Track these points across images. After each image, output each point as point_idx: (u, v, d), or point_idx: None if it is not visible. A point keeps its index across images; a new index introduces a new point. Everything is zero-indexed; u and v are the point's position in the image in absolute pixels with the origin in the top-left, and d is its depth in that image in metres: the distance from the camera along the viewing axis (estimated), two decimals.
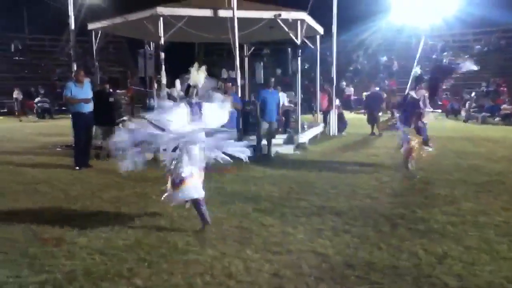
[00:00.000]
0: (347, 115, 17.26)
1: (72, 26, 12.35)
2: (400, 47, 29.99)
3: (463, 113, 20.08)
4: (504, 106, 18.46)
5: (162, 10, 9.98)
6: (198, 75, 5.27)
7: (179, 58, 13.87)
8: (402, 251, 4.19)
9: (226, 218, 5.26)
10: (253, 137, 10.04)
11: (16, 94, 23.75)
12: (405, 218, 5.21)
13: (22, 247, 4.35)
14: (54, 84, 25.38)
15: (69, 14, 12.27)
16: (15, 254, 4.18)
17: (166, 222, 5.09)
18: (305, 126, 12.13)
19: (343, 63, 27.23)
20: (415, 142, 7.88)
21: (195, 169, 4.86)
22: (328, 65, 15.38)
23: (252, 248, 4.29)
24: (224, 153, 4.96)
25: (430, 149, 9.12)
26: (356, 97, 26.30)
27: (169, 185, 4.96)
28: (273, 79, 10.49)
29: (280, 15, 10.66)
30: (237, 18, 10.14)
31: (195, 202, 4.91)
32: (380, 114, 14.55)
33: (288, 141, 10.71)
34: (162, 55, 10.28)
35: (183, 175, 4.73)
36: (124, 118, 11.13)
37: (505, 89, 21.16)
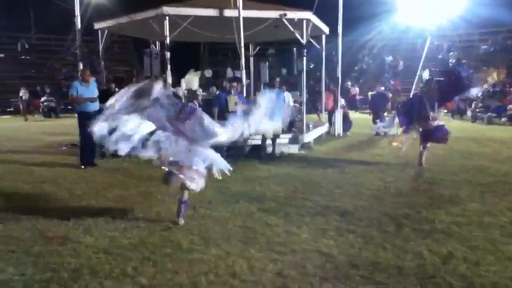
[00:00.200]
0: (352, 115, 17.25)
1: (78, 26, 12.39)
2: (405, 47, 29.88)
3: (469, 113, 19.98)
4: (511, 106, 18.35)
5: (167, 9, 10.00)
6: (192, 79, 5.35)
7: (185, 57, 13.92)
8: (407, 251, 4.18)
9: (231, 217, 5.26)
10: (258, 137, 10.05)
11: (23, 93, 23.88)
12: (409, 218, 5.19)
13: (28, 245, 4.38)
14: (60, 84, 25.48)
15: (75, 13, 12.31)
16: (20, 252, 4.21)
17: (170, 221, 5.10)
18: (310, 126, 12.11)
19: (348, 63, 27.17)
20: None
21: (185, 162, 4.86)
22: (333, 64, 15.35)
23: (256, 247, 4.30)
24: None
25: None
26: (361, 97, 26.25)
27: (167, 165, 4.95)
28: (278, 79, 10.49)
29: (285, 14, 10.65)
30: (243, 17, 10.14)
31: (181, 196, 5.01)
32: (385, 114, 14.51)
33: (293, 141, 10.70)
34: (168, 54, 10.30)
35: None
36: None
37: None
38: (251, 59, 16.20)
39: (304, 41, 11.17)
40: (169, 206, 5.68)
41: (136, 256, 4.07)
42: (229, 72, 21.52)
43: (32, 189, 6.81)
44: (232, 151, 9.64)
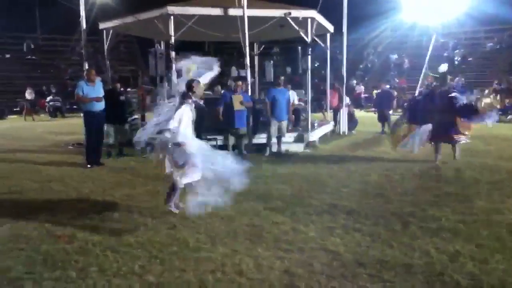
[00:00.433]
0: (358, 113, 17.21)
1: (84, 26, 12.43)
2: (411, 45, 29.77)
3: None
4: None
5: (172, 9, 10.01)
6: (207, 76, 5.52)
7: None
8: (414, 249, 4.17)
9: (237, 216, 5.28)
10: (264, 135, 10.07)
11: (29, 93, 24.00)
12: (416, 216, 5.18)
13: (36, 243, 4.42)
14: (66, 83, 25.60)
15: (81, 14, 12.36)
16: (29, 250, 4.24)
17: (177, 219, 5.12)
18: (315, 125, 12.10)
19: (353, 61, 27.14)
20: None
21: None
22: (338, 63, 15.33)
23: (263, 245, 4.31)
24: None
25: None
26: (366, 95, 26.18)
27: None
28: (283, 78, 10.47)
29: (290, 13, 10.64)
30: (247, 16, 10.14)
31: (174, 183, 5.25)
32: (390, 112, 14.48)
33: (298, 140, 10.70)
34: (173, 54, 10.32)
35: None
36: (135, 116, 11.23)
37: None
38: (256, 58, 16.20)
39: (308, 40, 11.15)
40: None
41: (143, 255, 4.10)
42: (234, 71, 21.52)
43: (40, 188, 6.85)
44: (237, 150, 9.68)
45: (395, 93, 17.88)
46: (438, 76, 9.15)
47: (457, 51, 27.37)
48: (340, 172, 7.85)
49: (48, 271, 3.78)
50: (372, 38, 30.78)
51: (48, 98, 23.61)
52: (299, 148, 10.42)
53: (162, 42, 13.70)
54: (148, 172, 7.78)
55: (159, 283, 3.55)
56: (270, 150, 9.86)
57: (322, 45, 13.40)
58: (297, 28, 10.92)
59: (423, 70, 26.00)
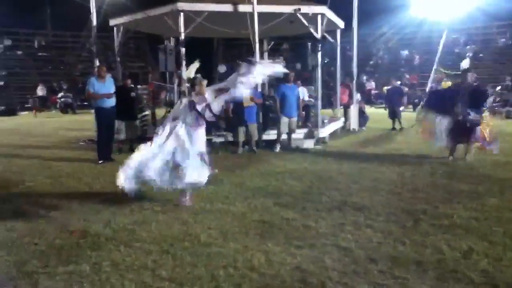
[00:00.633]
0: (368, 109, 17.12)
1: (94, 22, 12.50)
2: (421, 41, 29.51)
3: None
4: None
5: (182, 5, 10.03)
6: (191, 69, 5.71)
7: (199, 53, 13.93)
8: (426, 246, 4.15)
9: (248, 212, 5.29)
10: (273, 132, 10.07)
11: (40, 89, 24.24)
12: (428, 213, 5.15)
13: (50, 238, 4.47)
14: (76, 80, 25.78)
15: (91, 10, 12.43)
16: (43, 245, 4.29)
17: (188, 215, 5.15)
18: (325, 121, 12.07)
19: (363, 57, 26.97)
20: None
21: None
22: (348, 59, 15.25)
23: (274, 241, 4.31)
24: None
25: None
26: (377, 92, 26.03)
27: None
28: (292, 74, 10.45)
29: (300, 9, 10.60)
30: (257, 12, 10.12)
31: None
32: (401, 108, 14.39)
33: (309, 136, 10.69)
34: (183, 50, 10.34)
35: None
36: (146, 113, 11.29)
37: None
38: (265, 54, 16.16)
39: (318, 36, 11.11)
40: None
41: (155, 249, 4.13)
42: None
43: (53, 184, 6.93)
44: (247, 146, 9.70)
45: (406, 90, 17.77)
46: (457, 73, 9.12)
47: (468, 47, 27.08)
48: (351, 169, 7.83)
49: (62, 265, 3.82)
50: (382, 34, 30.55)
51: (59, 95, 23.82)
52: (309, 144, 10.40)
53: (171, 38, 13.74)
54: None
55: (171, 278, 3.57)
56: (280, 147, 9.86)
57: (332, 41, 13.34)
58: (307, 24, 10.88)
59: (434, 66, 25.81)
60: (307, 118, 11.89)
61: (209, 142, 6.38)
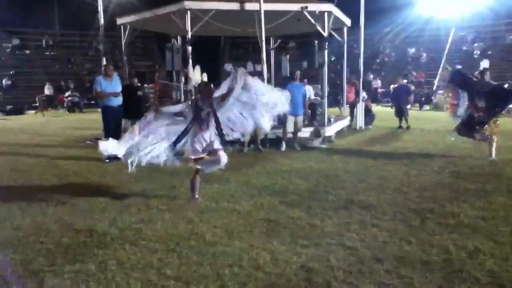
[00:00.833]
0: (374, 108, 17.05)
1: (101, 21, 12.55)
2: (429, 39, 29.34)
3: None
4: None
5: (189, 4, 10.04)
6: (195, 75, 5.82)
7: (206, 52, 13.96)
8: (432, 245, 4.13)
9: (253, 210, 5.29)
10: (279, 130, 10.05)
11: (47, 88, 24.38)
12: (434, 212, 5.13)
13: (56, 237, 4.49)
14: (84, 79, 25.91)
15: (98, 9, 12.48)
16: (49, 243, 4.32)
17: (194, 214, 5.16)
18: (332, 119, 12.04)
19: (370, 55, 26.88)
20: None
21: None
22: (355, 57, 15.20)
23: (280, 240, 4.31)
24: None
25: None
26: (383, 90, 25.93)
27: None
28: (299, 72, 10.43)
29: (306, 7, 10.57)
30: (264, 11, 10.11)
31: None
32: (408, 107, 14.32)
33: (315, 134, 10.66)
34: (189, 49, 10.35)
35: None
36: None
37: None
38: (272, 52, 16.15)
39: (325, 34, 11.07)
40: (192, 199, 5.74)
41: (161, 248, 4.14)
42: (250, 66, 21.49)
43: (60, 182, 6.97)
44: (253, 145, 9.69)
45: (412, 88, 17.66)
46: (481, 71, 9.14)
47: (476, 44, 26.87)
48: (357, 167, 7.80)
49: (68, 264, 3.84)
50: (389, 32, 30.40)
51: (66, 94, 23.94)
52: (315, 143, 10.38)
53: (178, 37, 13.77)
54: (165, 167, 7.83)
55: (176, 277, 3.58)
56: (286, 145, 9.85)
57: (339, 39, 13.30)
58: (313, 22, 10.85)
59: (441, 64, 25.69)
60: (313, 116, 11.86)
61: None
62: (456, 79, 8.69)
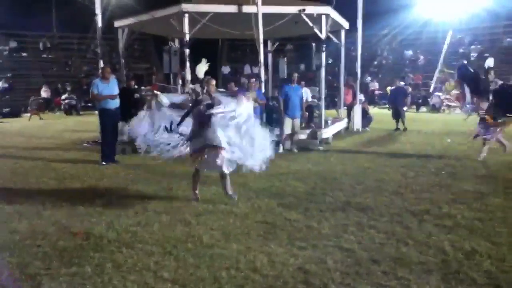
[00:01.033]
0: (372, 110, 17.08)
1: (99, 24, 12.54)
2: (426, 41, 29.38)
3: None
4: None
5: (187, 6, 10.06)
6: (201, 68, 5.84)
7: (204, 54, 13.95)
8: (429, 246, 4.13)
9: (251, 212, 5.28)
10: (277, 132, 10.04)
11: (44, 91, 24.35)
12: (431, 213, 5.13)
13: (53, 240, 4.48)
14: (81, 81, 25.89)
15: (96, 12, 12.48)
16: (46, 246, 4.30)
17: (191, 216, 5.15)
18: (329, 122, 12.05)
19: (367, 57, 26.89)
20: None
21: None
22: (352, 59, 15.22)
23: (277, 242, 4.31)
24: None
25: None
26: (380, 92, 25.96)
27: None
28: (296, 75, 10.44)
29: (304, 10, 10.59)
30: (262, 13, 10.12)
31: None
32: (404, 109, 14.35)
33: (312, 137, 10.67)
34: (187, 51, 10.36)
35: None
36: None
37: None
38: (270, 55, 16.17)
39: (323, 36, 11.09)
40: (190, 201, 5.74)
41: (158, 251, 4.13)
42: (247, 69, 21.53)
43: (57, 185, 6.96)
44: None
45: (409, 90, 17.71)
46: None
47: (473, 46, 26.93)
48: (354, 169, 7.81)
49: (65, 267, 3.83)
50: (387, 34, 30.45)
51: (63, 96, 23.91)
52: (312, 145, 10.39)
53: (176, 39, 13.77)
54: (162, 169, 7.84)
55: (173, 279, 3.57)
56: (284, 147, 9.85)
57: (337, 41, 13.32)
58: (311, 24, 10.86)
59: (438, 67, 25.76)
60: (311, 118, 11.87)
61: None
62: (463, 72, 8.73)
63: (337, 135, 12.15)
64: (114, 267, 3.79)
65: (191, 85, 10.27)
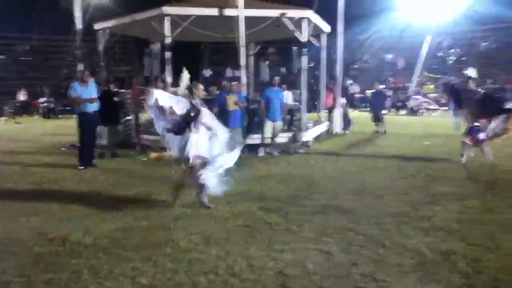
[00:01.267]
0: (352, 113, 17.23)
1: (79, 26, 12.39)
2: (405, 46, 29.77)
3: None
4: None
5: (167, 9, 9.99)
6: (185, 76, 5.80)
7: (185, 57, 13.87)
8: (407, 248, 4.18)
9: (231, 217, 5.27)
10: (258, 136, 10.05)
11: (22, 94, 23.92)
12: (410, 215, 5.19)
13: (28, 246, 4.39)
14: (60, 84, 25.50)
15: (76, 14, 12.33)
16: (21, 253, 4.21)
17: (171, 221, 5.11)
18: (310, 125, 12.09)
19: (348, 61, 27.13)
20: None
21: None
22: (333, 63, 15.33)
23: (257, 246, 4.30)
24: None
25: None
26: (361, 95, 26.20)
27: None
28: (277, 78, 10.46)
29: (285, 13, 10.63)
30: (243, 17, 10.12)
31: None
32: (384, 112, 14.50)
33: (293, 140, 10.69)
34: (168, 54, 10.29)
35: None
36: (129, 117, 11.20)
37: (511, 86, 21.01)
38: (251, 58, 16.17)
39: (304, 40, 11.13)
40: (169, 206, 5.69)
41: (136, 256, 4.07)
42: (229, 72, 21.51)
43: (34, 190, 6.82)
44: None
45: (389, 93, 17.91)
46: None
47: (452, 50, 27.42)
48: (335, 172, 7.86)
49: (40, 274, 3.75)
50: (367, 38, 30.78)
51: (42, 99, 23.52)
52: (293, 148, 10.41)
53: (158, 42, 13.66)
54: (141, 173, 7.77)
55: (151, 285, 3.53)
56: (264, 150, 9.86)
57: (318, 45, 13.39)
58: (293, 28, 10.90)
59: (418, 70, 26.15)
60: (292, 122, 11.91)
61: None
62: (447, 88, 8.95)
63: (318, 138, 12.21)
64: (91, 274, 3.73)
65: (172, 88, 10.20)
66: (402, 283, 3.51)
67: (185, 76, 5.90)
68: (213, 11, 10.39)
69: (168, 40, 10.22)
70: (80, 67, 11.98)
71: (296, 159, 9.29)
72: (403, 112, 22.58)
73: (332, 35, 14.37)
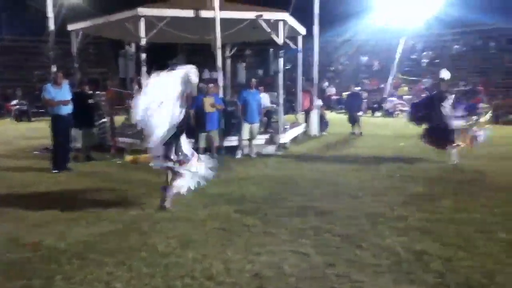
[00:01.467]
0: (328, 115, 17.38)
1: (51, 27, 12.15)
2: (381, 48, 30.25)
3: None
4: (482, 105, 18.75)
5: (142, 10, 9.90)
6: None
7: (161, 59, 13.75)
8: (383, 249, 4.23)
9: (208, 219, 5.23)
10: (235, 138, 10.05)
11: None
12: (386, 216, 5.26)
13: (0, 252, 4.27)
14: (33, 86, 24.95)
15: (48, 14, 12.08)
16: None
17: (147, 224, 5.05)
18: (287, 126, 12.15)
19: (324, 63, 27.37)
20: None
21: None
22: (310, 65, 15.44)
23: (234, 249, 4.28)
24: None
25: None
26: (337, 97, 26.48)
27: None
28: (254, 80, 10.48)
29: (261, 15, 10.66)
30: (220, 18, 10.10)
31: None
32: (360, 113, 14.69)
33: (270, 142, 10.73)
34: (143, 56, 10.19)
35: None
36: (104, 120, 11.02)
37: (482, 88, 21.54)
38: (228, 60, 16.15)
39: (280, 42, 11.18)
40: (145, 209, 5.63)
41: (111, 261, 4.01)
42: (206, 74, 21.35)
43: (6, 195, 6.63)
44: (209, 153, 9.61)
45: (365, 95, 18.14)
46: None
47: (425, 53, 27.99)
48: (312, 174, 7.91)
49: (11, 281, 3.65)
50: (343, 41, 31.14)
51: (14, 102, 22.96)
52: (270, 150, 10.45)
53: (133, 43, 13.51)
54: (117, 176, 7.66)
55: None
56: (242, 153, 9.85)
57: (294, 47, 13.47)
58: (269, 30, 10.94)
59: (393, 72, 26.61)
60: (269, 124, 11.94)
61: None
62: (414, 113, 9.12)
63: (295, 140, 12.27)
64: (64, 280, 3.65)
65: None
66: (377, 283, 3.55)
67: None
68: (189, 13, 10.35)
69: (143, 42, 10.12)
70: (54, 68, 11.74)
71: (274, 161, 9.31)
72: (378, 113, 22.91)
73: (309, 37, 14.49)
